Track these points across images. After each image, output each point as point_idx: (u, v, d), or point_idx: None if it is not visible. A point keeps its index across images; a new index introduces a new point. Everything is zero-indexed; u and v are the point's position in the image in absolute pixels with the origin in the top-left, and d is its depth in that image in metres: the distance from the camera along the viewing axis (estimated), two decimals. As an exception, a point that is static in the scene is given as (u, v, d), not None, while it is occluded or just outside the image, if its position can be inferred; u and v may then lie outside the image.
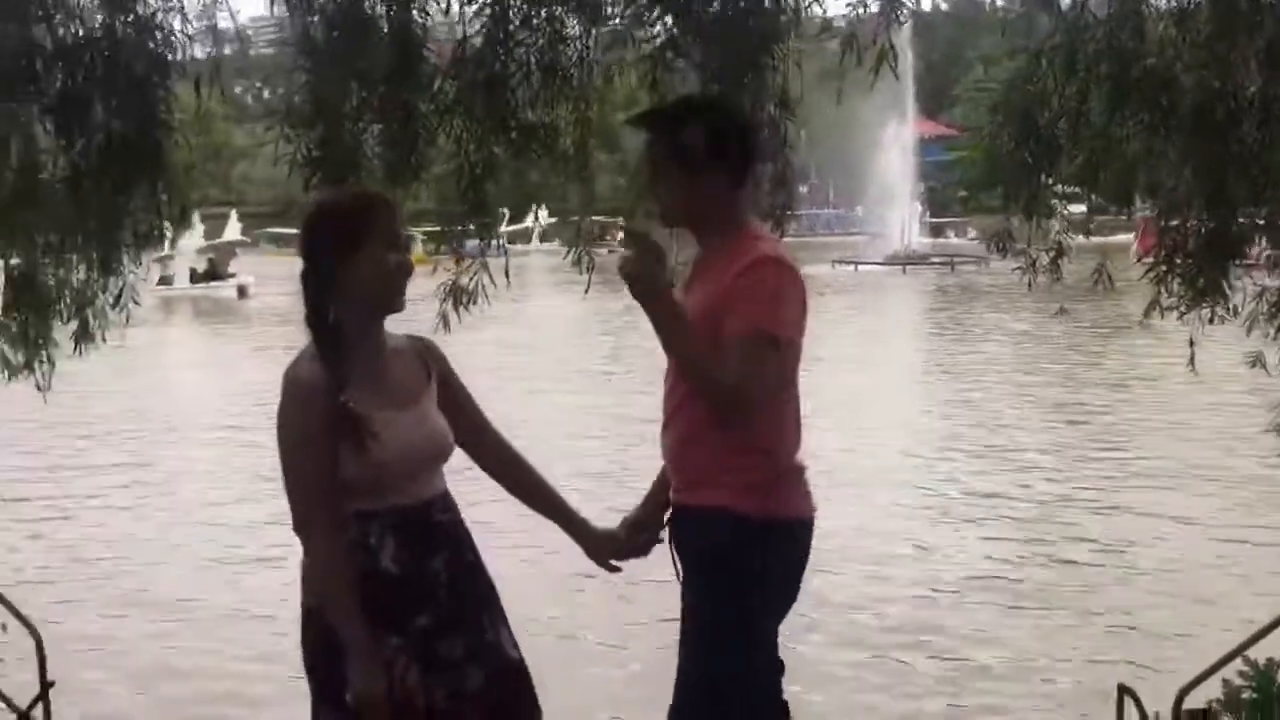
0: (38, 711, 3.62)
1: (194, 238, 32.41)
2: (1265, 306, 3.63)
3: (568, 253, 3.77)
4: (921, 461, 11.76)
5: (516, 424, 2.89)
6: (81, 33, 3.89)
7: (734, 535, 2.59)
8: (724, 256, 2.62)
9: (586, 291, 3.71)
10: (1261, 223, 3.63)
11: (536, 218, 42.29)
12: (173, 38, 3.86)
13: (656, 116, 2.81)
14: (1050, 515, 9.60)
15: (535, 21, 3.42)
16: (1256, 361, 3.82)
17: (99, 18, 3.85)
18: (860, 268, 38.76)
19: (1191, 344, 3.68)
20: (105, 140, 3.95)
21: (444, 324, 3.60)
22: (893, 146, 45.24)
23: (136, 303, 4.46)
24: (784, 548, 2.65)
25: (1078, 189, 4.04)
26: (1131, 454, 11.77)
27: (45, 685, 3.61)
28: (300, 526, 2.51)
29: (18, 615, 3.54)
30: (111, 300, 4.35)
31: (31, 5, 3.79)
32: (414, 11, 3.51)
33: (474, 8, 3.44)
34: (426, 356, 2.70)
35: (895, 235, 42.43)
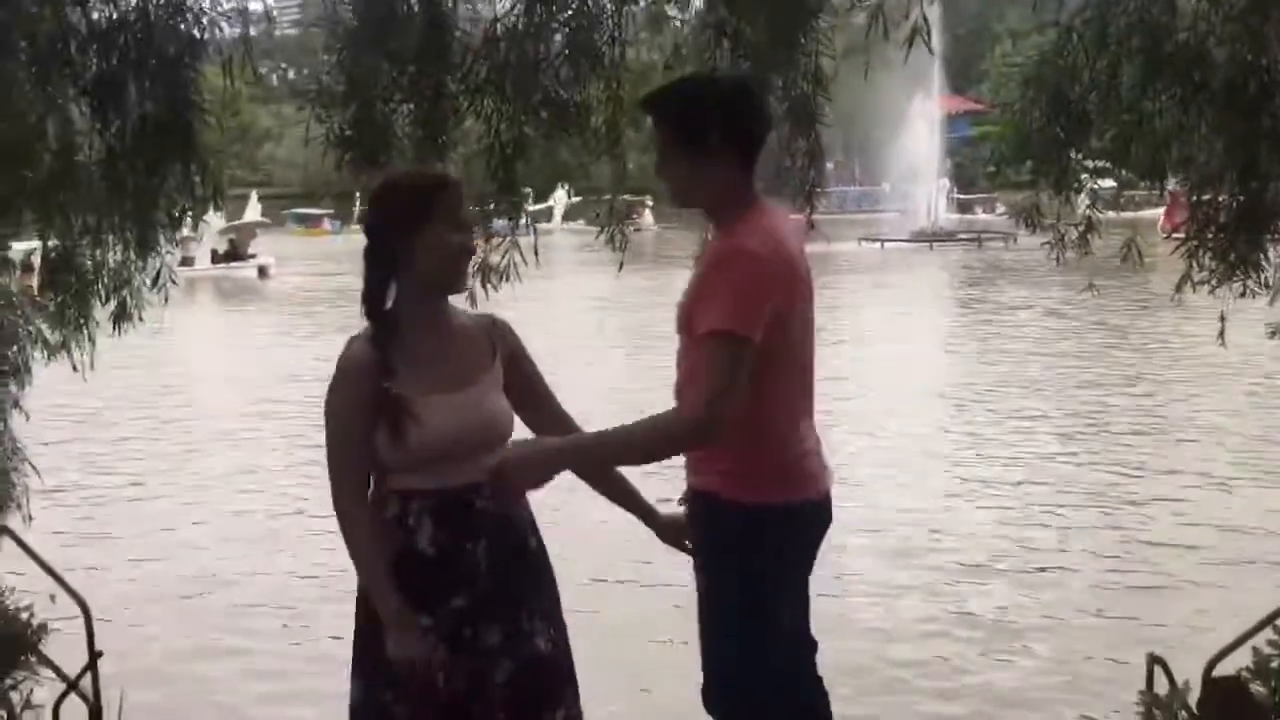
0: (86, 681, 3.70)
1: (215, 218, 32.60)
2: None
3: (599, 231, 3.79)
4: (944, 431, 11.79)
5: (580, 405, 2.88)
6: (115, 15, 3.93)
7: (726, 519, 2.61)
8: (724, 238, 2.61)
9: (620, 269, 3.73)
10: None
11: (567, 195, 42.30)
12: (203, 18, 3.91)
13: (660, 98, 2.77)
14: (1083, 487, 9.62)
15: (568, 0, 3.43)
16: (1277, 333, 3.79)
17: (132, 0, 3.89)
18: (886, 245, 38.55)
19: (1223, 318, 3.67)
20: (140, 122, 4.01)
21: (471, 302, 3.63)
22: (919, 122, 44.87)
23: (174, 282, 4.53)
24: (782, 530, 2.62)
25: (1107, 164, 4.02)
26: (1164, 428, 11.75)
27: (93, 655, 3.69)
28: (334, 502, 2.55)
29: (65, 586, 3.63)
30: (150, 280, 4.42)
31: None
32: (445, -9, 3.53)
33: (505, -13, 3.46)
34: (494, 335, 2.66)
35: (922, 212, 42.13)
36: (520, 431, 2.69)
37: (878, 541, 8.07)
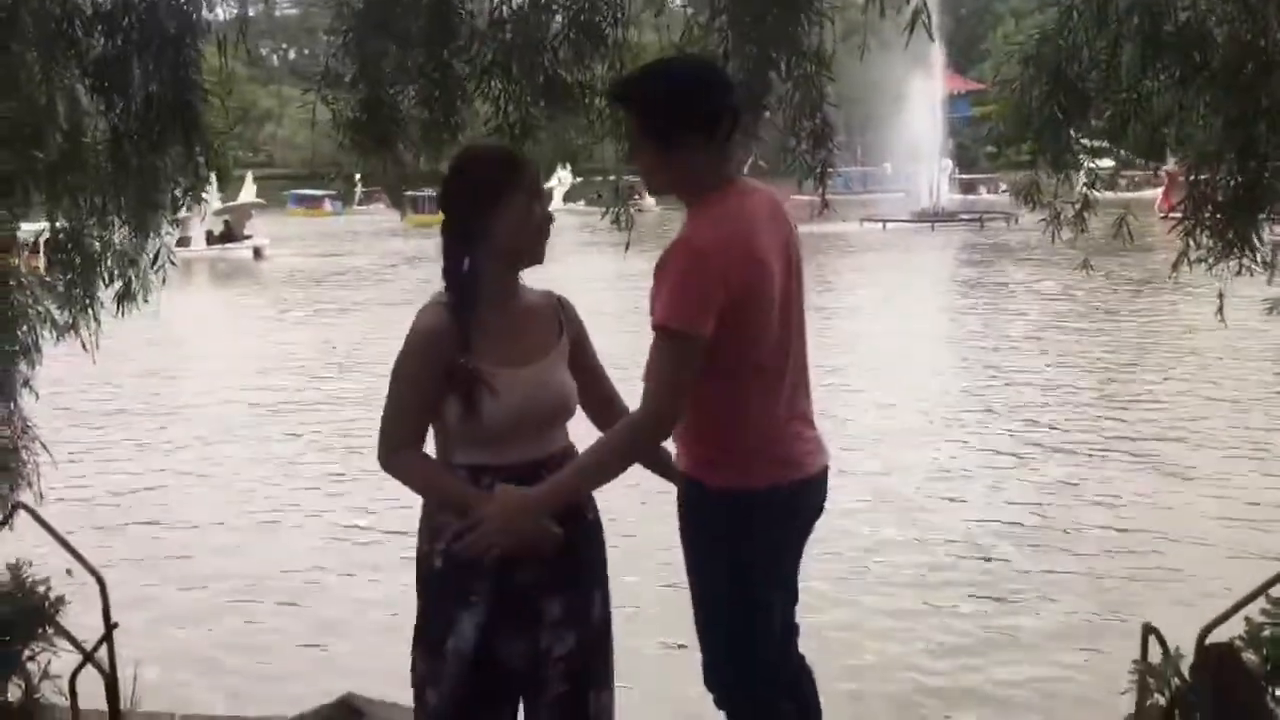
0: (102, 652, 3.76)
1: (212, 199, 32.58)
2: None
3: (604, 212, 3.80)
4: (941, 412, 11.85)
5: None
6: (118, -4, 3.95)
7: (713, 506, 2.62)
8: (685, 226, 2.57)
9: (627, 249, 3.75)
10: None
11: (573, 174, 42.14)
12: (203, -1, 3.93)
13: (624, 88, 2.75)
14: (1080, 462, 9.76)
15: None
16: (1275, 309, 3.81)
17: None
18: (888, 225, 38.52)
19: (1220, 296, 3.70)
20: (144, 102, 4.03)
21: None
22: (921, 102, 44.76)
23: (174, 263, 4.56)
24: (770, 514, 2.62)
25: (1106, 143, 4.04)
26: (1160, 408, 11.80)
27: (109, 627, 3.75)
28: (380, 456, 2.54)
29: (82, 560, 3.67)
30: (150, 260, 4.46)
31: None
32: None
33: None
34: (561, 314, 2.68)
35: (924, 192, 42.09)
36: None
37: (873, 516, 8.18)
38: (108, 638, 3.72)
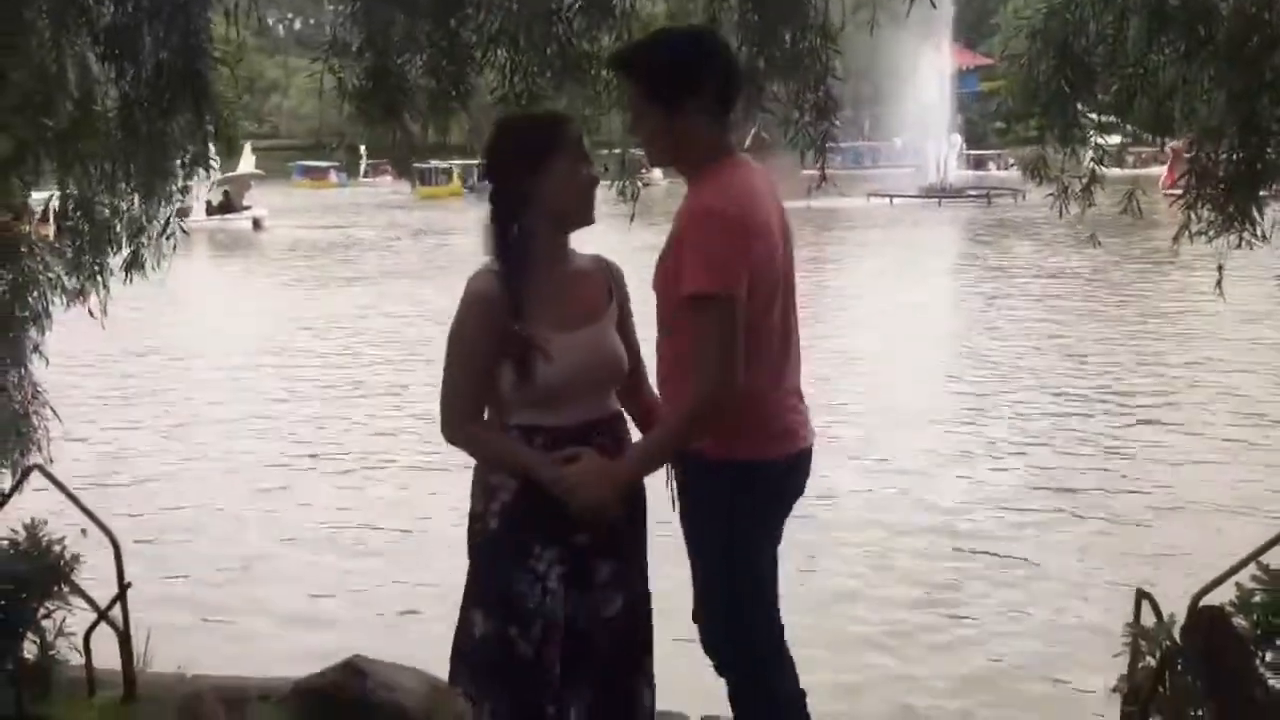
0: (116, 611, 3.82)
1: (212, 170, 32.43)
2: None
3: (610, 184, 3.81)
4: (943, 386, 11.87)
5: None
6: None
7: (692, 471, 2.65)
8: (693, 196, 2.59)
9: (631, 220, 3.77)
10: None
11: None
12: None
13: (627, 57, 2.75)
14: (1082, 432, 9.82)
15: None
16: (1287, 282, 3.82)
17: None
18: (896, 201, 38.41)
19: (1220, 269, 3.72)
20: (154, 70, 4.05)
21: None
22: (930, 77, 44.51)
23: (184, 231, 4.59)
24: (768, 485, 2.65)
25: (1114, 118, 4.04)
26: (1164, 383, 11.83)
27: (123, 586, 3.81)
28: (443, 428, 2.58)
29: (95, 520, 3.73)
30: (159, 229, 4.48)
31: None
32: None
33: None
34: (610, 279, 2.70)
35: (932, 168, 41.94)
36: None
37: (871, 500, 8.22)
38: (121, 597, 3.79)
